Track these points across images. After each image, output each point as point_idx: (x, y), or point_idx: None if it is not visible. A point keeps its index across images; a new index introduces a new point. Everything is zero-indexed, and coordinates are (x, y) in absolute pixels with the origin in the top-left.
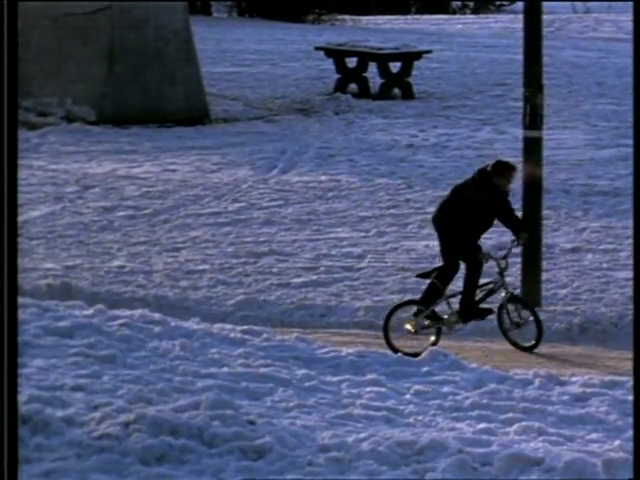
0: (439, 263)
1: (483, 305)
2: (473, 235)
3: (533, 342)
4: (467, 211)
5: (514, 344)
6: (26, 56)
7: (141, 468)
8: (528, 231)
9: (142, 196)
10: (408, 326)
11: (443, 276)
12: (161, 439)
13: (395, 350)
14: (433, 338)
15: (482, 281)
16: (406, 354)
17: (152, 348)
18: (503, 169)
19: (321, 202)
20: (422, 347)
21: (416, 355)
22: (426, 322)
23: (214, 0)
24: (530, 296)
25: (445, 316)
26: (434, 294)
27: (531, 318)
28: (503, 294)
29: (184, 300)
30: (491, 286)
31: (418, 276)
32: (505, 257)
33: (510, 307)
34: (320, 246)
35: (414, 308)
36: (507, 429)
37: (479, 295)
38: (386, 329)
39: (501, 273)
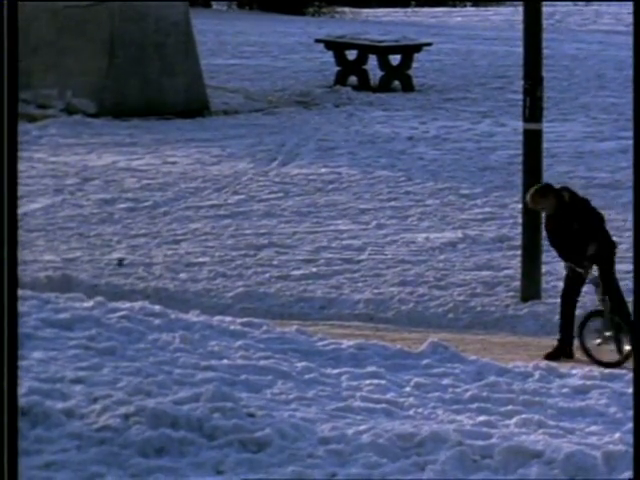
0: (439, 255)
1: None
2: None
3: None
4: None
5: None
6: (26, 49)
7: (141, 460)
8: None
9: (142, 188)
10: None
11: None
12: (161, 431)
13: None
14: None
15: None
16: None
17: (152, 340)
18: None
19: (321, 194)
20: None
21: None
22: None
23: None
24: (530, 289)
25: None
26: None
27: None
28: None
29: (184, 292)
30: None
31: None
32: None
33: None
34: (320, 238)
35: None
36: (507, 421)
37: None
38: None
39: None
